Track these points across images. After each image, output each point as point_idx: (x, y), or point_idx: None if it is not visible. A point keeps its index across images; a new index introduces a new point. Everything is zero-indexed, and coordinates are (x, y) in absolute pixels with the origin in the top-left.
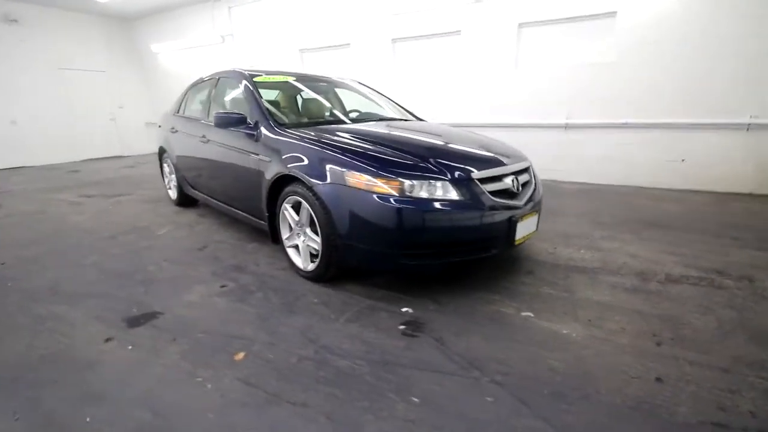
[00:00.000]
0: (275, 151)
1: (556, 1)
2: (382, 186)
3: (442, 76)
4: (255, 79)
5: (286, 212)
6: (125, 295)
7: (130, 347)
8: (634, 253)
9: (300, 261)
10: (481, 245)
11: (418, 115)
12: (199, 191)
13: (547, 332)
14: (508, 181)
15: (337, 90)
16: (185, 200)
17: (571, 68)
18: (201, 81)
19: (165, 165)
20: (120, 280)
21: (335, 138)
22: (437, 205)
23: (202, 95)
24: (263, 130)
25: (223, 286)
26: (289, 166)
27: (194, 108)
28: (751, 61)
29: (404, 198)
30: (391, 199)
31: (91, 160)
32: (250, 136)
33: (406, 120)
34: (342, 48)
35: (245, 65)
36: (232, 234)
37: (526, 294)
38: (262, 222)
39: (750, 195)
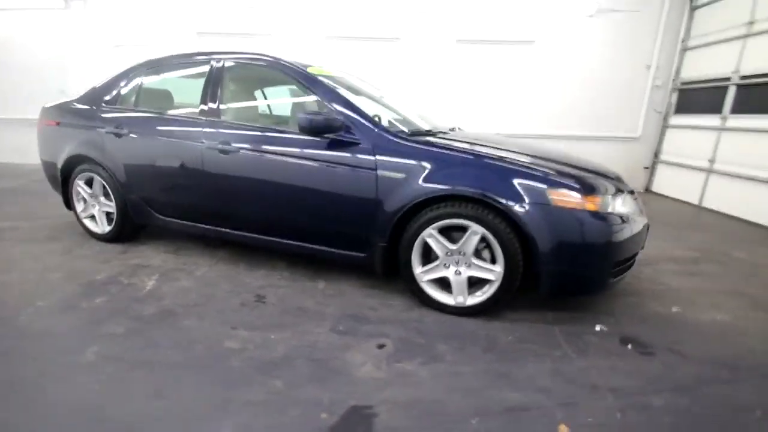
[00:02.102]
0: (411, 165)
1: (486, 26)
2: (590, 203)
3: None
4: (313, 73)
5: (431, 239)
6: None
7: None
8: None
9: (452, 298)
10: (636, 255)
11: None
12: (180, 217)
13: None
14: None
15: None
16: (127, 231)
17: (500, 84)
18: (168, 65)
19: (79, 183)
20: (264, 374)
21: (487, 149)
22: (630, 217)
23: (188, 86)
24: (380, 139)
25: (381, 346)
26: (456, 185)
27: (163, 103)
28: (627, 91)
29: (608, 213)
30: (606, 216)
31: None
32: (352, 146)
33: (450, 130)
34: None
35: (110, 39)
36: (269, 271)
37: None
38: (356, 253)
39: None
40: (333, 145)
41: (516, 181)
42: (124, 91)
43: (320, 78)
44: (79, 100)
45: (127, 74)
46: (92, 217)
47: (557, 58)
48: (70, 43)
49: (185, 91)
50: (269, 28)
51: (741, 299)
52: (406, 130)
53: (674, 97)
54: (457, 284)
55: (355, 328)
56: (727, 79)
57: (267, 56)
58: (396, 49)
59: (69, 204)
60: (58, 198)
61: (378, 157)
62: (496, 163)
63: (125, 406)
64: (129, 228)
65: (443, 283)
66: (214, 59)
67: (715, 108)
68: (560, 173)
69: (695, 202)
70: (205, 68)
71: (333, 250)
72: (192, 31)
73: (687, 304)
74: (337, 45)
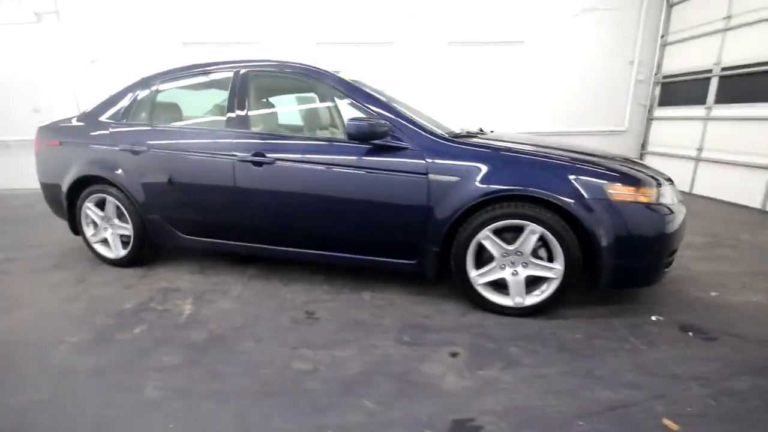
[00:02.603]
0: (465, 167)
1: (477, 28)
2: (643, 196)
3: None
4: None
5: (488, 241)
6: None
7: None
8: None
9: (510, 299)
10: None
11: None
12: (209, 235)
13: None
14: None
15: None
16: (145, 255)
17: (492, 84)
18: (183, 76)
19: (88, 206)
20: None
21: (535, 149)
22: (675, 207)
23: (208, 98)
24: (428, 142)
25: (454, 355)
26: (521, 185)
27: (182, 117)
28: (612, 87)
29: (659, 204)
30: (658, 208)
31: None
32: (399, 151)
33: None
34: (251, 45)
35: (86, 54)
36: (308, 286)
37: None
38: (406, 261)
39: None
40: (379, 151)
41: (574, 179)
42: (135, 106)
43: (358, 84)
44: (82, 118)
45: (137, 88)
46: (104, 241)
47: (546, 57)
48: (42, 60)
49: (205, 102)
50: (258, 36)
51: (766, 279)
52: (446, 133)
53: (657, 91)
54: (515, 285)
55: (420, 337)
56: (709, 71)
57: (300, 64)
58: (389, 53)
59: (76, 229)
60: (49, 224)
61: (428, 161)
62: (554, 161)
63: None
64: (147, 251)
65: (497, 285)
66: (237, 68)
67: (700, 99)
68: (611, 168)
69: (686, 189)
70: (227, 78)
71: (380, 259)
72: (176, 42)
73: (721, 288)
74: (329, 51)
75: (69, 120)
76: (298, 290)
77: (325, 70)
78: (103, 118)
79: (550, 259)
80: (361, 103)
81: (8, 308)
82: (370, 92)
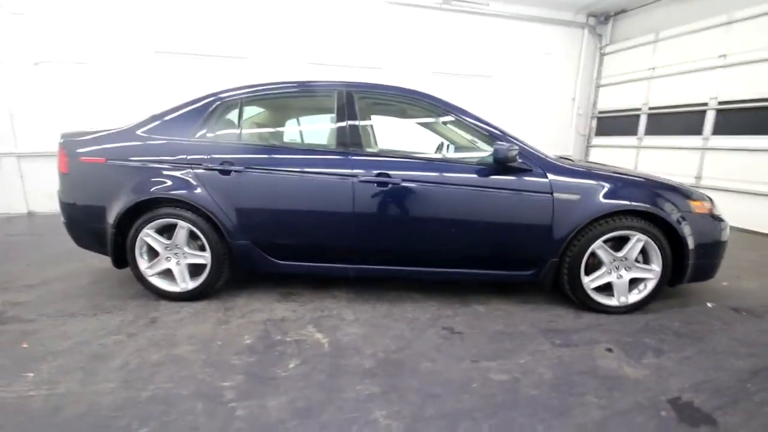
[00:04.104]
0: (585, 186)
1: (456, 62)
2: (712, 209)
3: None
4: None
5: (601, 250)
6: None
7: None
8: None
9: (615, 299)
10: None
11: None
12: (311, 259)
13: None
14: None
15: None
16: (218, 286)
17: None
18: (274, 94)
19: (148, 233)
20: None
21: (615, 168)
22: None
23: (305, 117)
24: (547, 164)
25: (609, 350)
26: (633, 201)
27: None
28: (559, 118)
29: (719, 214)
30: (719, 218)
31: None
32: (525, 172)
33: None
34: (236, 59)
35: (29, 55)
36: (418, 304)
37: None
38: (524, 272)
39: None
40: (506, 172)
41: (669, 196)
42: (217, 122)
43: (469, 116)
44: (133, 133)
45: (216, 102)
46: (163, 273)
47: (509, 90)
48: None
49: (305, 122)
50: (245, 51)
51: (751, 270)
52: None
53: (594, 123)
54: (620, 286)
55: (567, 339)
56: (639, 109)
57: (415, 90)
58: (379, 77)
59: (119, 260)
60: (29, 257)
61: (552, 181)
62: (652, 182)
63: None
64: (223, 281)
65: (599, 288)
66: (339, 89)
67: (633, 131)
68: (686, 188)
69: None
70: (329, 98)
71: (499, 272)
72: (148, 49)
73: (732, 279)
74: (318, 72)
75: (114, 133)
76: (411, 309)
77: (439, 98)
78: (169, 134)
79: (645, 262)
80: (490, 130)
81: (114, 367)
82: (479, 121)
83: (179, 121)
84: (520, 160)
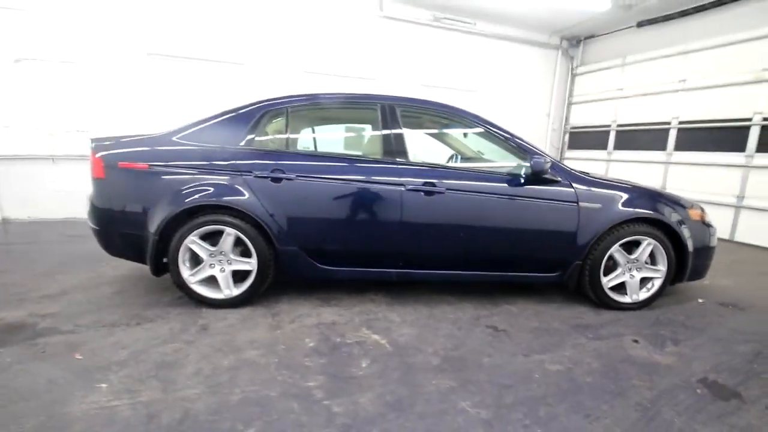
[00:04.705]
0: (605, 195)
1: (444, 76)
2: (704, 216)
3: None
4: None
5: (618, 253)
6: None
7: None
8: None
9: (628, 296)
10: None
11: None
12: (357, 264)
13: None
14: None
15: None
16: (261, 292)
17: None
18: (319, 104)
19: (193, 240)
20: None
21: (618, 179)
22: None
23: (356, 127)
24: (572, 176)
25: (635, 341)
26: (647, 210)
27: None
28: (535, 132)
29: (710, 222)
30: (710, 224)
31: None
32: (554, 183)
33: None
34: (232, 65)
35: (9, 52)
36: (452, 305)
37: None
38: (550, 274)
39: None
40: (537, 183)
41: (671, 205)
42: (265, 130)
43: (502, 131)
44: (177, 138)
45: (264, 110)
46: (206, 280)
47: (491, 104)
48: None
49: (349, 133)
50: (242, 57)
51: (727, 270)
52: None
53: (566, 137)
54: (633, 285)
55: (597, 333)
56: (608, 126)
57: (451, 105)
58: (371, 87)
59: (159, 268)
60: (31, 267)
61: (577, 191)
62: (658, 192)
63: None
64: (266, 287)
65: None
66: (380, 103)
67: (603, 145)
68: (682, 199)
69: None
70: (373, 111)
71: (528, 274)
72: (139, 51)
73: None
74: (315, 81)
75: (153, 138)
76: (450, 310)
77: (478, 116)
78: (211, 141)
79: (652, 263)
80: (523, 145)
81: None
82: (511, 138)
83: (222, 127)
84: (551, 172)
